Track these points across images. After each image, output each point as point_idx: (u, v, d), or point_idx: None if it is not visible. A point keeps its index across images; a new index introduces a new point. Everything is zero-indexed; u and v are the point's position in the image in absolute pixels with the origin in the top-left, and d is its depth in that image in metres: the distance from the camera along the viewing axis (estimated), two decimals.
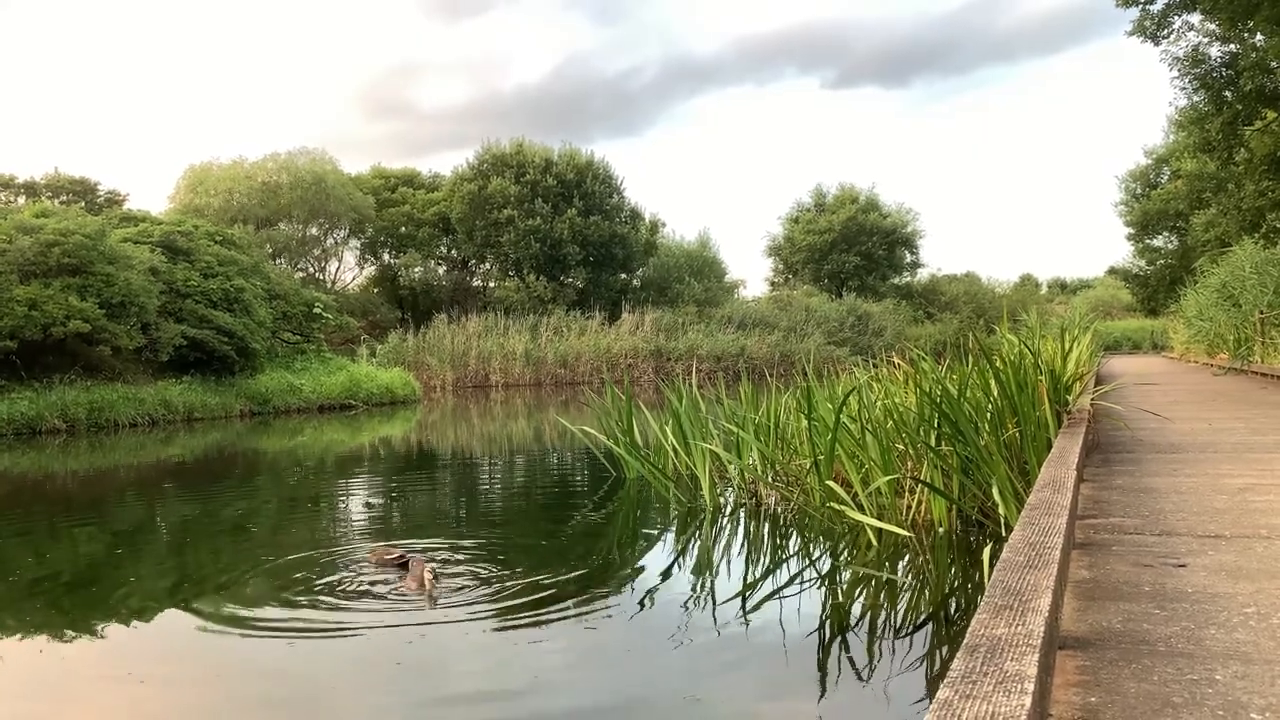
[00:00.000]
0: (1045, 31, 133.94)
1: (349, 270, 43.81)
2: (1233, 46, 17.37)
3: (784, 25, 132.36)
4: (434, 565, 4.72)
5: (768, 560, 5.36)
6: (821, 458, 6.11)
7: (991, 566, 3.01)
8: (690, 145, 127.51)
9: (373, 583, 4.77)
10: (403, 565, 4.99)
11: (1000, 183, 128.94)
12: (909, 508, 5.78)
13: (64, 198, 32.24)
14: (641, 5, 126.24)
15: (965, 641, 1.65)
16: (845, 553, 5.32)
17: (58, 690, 3.55)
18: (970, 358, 6.55)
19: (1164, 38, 17.63)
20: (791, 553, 5.56)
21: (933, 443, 5.73)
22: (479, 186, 40.39)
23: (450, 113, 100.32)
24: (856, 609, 4.25)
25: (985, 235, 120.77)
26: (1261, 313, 16.55)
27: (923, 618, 4.06)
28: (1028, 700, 1.36)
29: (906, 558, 5.09)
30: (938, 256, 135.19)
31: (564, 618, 4.11)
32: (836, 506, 5.73)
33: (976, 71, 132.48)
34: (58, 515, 8.06)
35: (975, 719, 1.30)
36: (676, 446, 8.07)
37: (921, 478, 5.67)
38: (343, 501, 8.56)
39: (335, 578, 4.94)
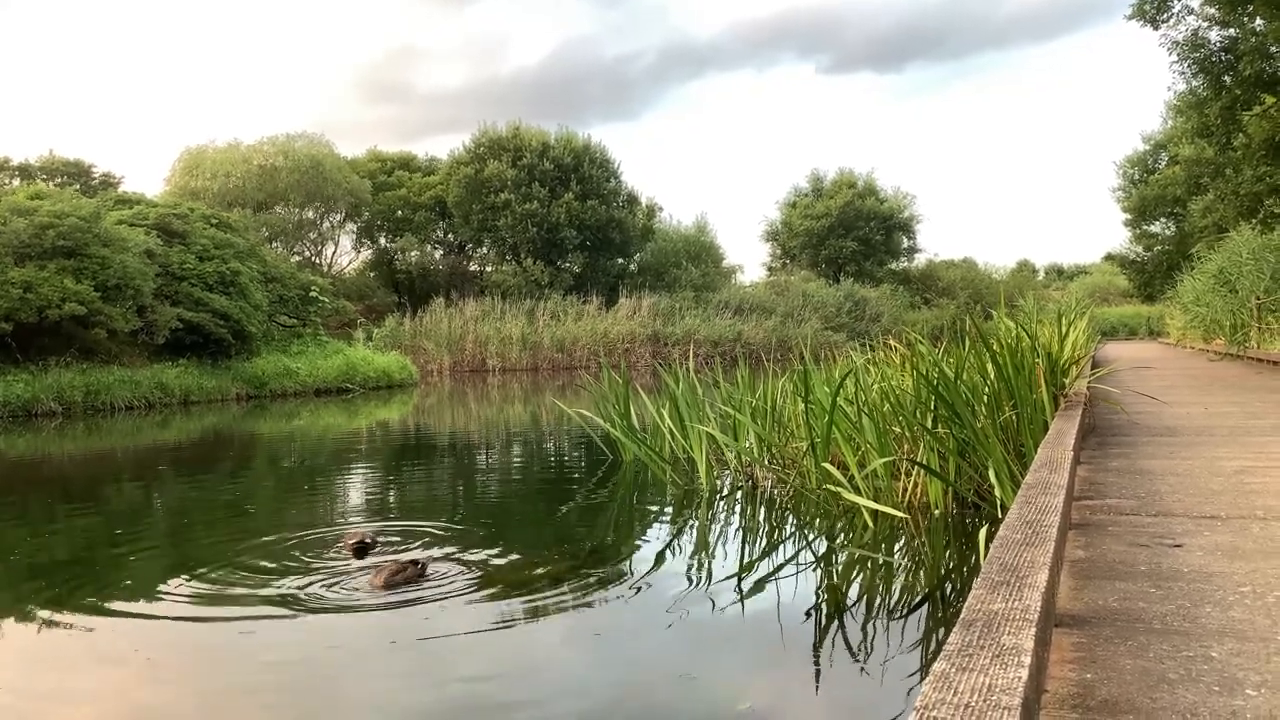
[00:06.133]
0: (1042, 17, 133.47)
1: (345, 254, 43.69)
2: (1232, 31, 17.33)
3: (781, 10, 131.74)
4: (406, 562, 4.50)
5: (764, 542, 5.37)
6: (818, 440, 6.12)
7: (987, 548, 3.02)
8: (688, 130, 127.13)
9: (368, 565, 4.77)
10: (359, 550, 4.96)
11: (997, 168, 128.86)
12: (905, 490, 5.79)
13: (59, 180, 31.99)
14: None
15: (962, 616, 1.65)
16: (841, 535, 5.33)
17: (59, 668, 3.56)
18: (967, 341, 6.54)
19: (1163, 22, 17.60)
20: (788, 535, 5.57)
21: (929, 425, 5.73)
22: (475, 170, 40.18)
23: (447, 96, 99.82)
24: (852, 590, 4.26)
25: (982, 221, 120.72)
26: (1258, 298, 16.55)
27: (918, 599, 4.08)
28: (1024, 674, 1.36)
29: (902, 540, 5.11)
30: (935, 242, 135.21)
31: (560, 599, 4.12)
32: (833, 489, 5.74)
33: (972, 57, 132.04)
34: (55, 498, 8.05)
35: (972, 691, 1.30)
36: (673, 430, 8.07)
37: (918, 460, 5.68)
38: (340, 484, 8.56)
39: (331, 560, 4.95)
